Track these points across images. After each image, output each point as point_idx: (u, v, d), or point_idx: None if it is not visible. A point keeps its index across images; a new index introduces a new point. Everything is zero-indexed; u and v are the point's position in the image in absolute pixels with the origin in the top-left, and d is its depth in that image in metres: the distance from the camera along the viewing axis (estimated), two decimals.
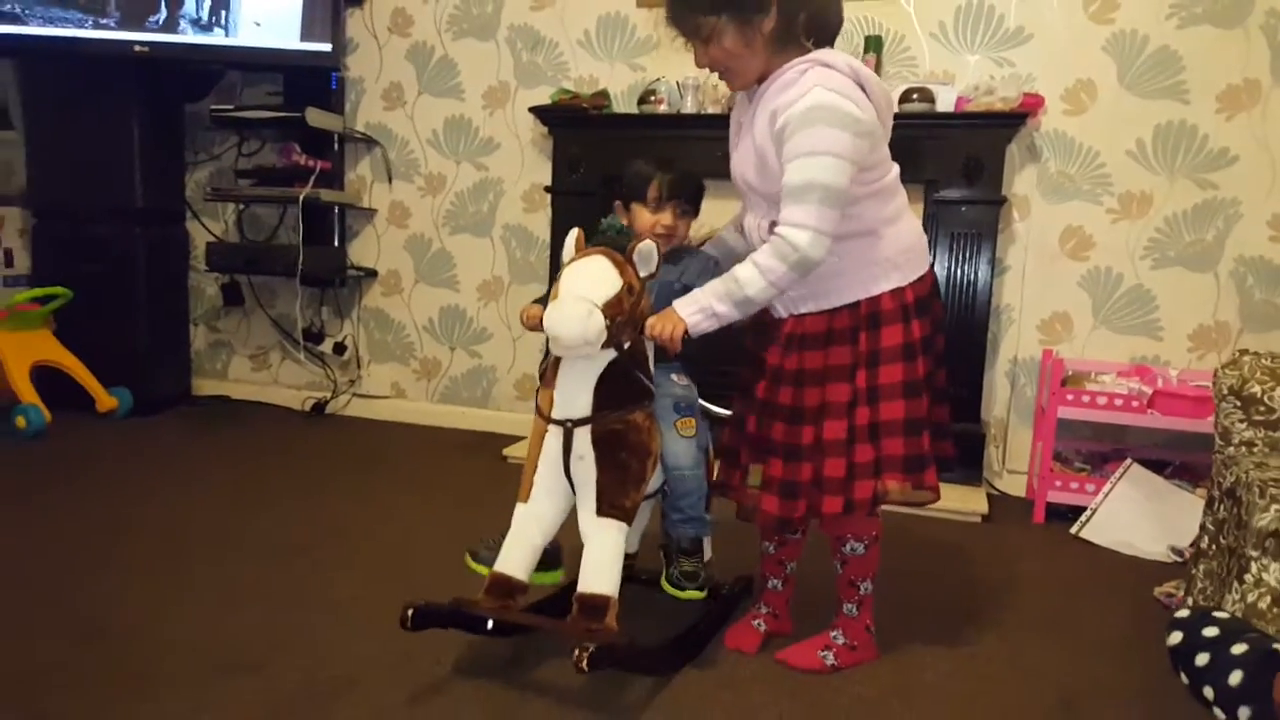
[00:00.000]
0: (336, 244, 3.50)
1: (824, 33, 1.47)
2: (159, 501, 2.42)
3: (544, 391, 1.53)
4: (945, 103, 2.66)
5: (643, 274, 1.47)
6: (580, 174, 3.01)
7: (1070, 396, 2.49)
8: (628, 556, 1.64)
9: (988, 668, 1.64)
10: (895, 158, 2.75)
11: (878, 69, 2.76)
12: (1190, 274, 2.65)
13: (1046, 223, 2.75)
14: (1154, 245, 2.67)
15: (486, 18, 3.25)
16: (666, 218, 1.66)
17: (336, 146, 3.42)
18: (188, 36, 3.19)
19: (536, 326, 1.50)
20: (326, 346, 3.59)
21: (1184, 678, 1.30)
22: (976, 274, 2.68)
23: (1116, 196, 2.68)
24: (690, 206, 1.71)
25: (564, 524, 1.56)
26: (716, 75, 1.55)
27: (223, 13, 3.20)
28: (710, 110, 2.86)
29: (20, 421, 2.99)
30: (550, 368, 1.52)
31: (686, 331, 1.45)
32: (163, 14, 3.17)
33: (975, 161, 2.63)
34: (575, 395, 1.47)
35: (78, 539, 2.11)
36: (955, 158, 2.65)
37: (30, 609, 1.73)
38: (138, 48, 3.16)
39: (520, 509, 1.53)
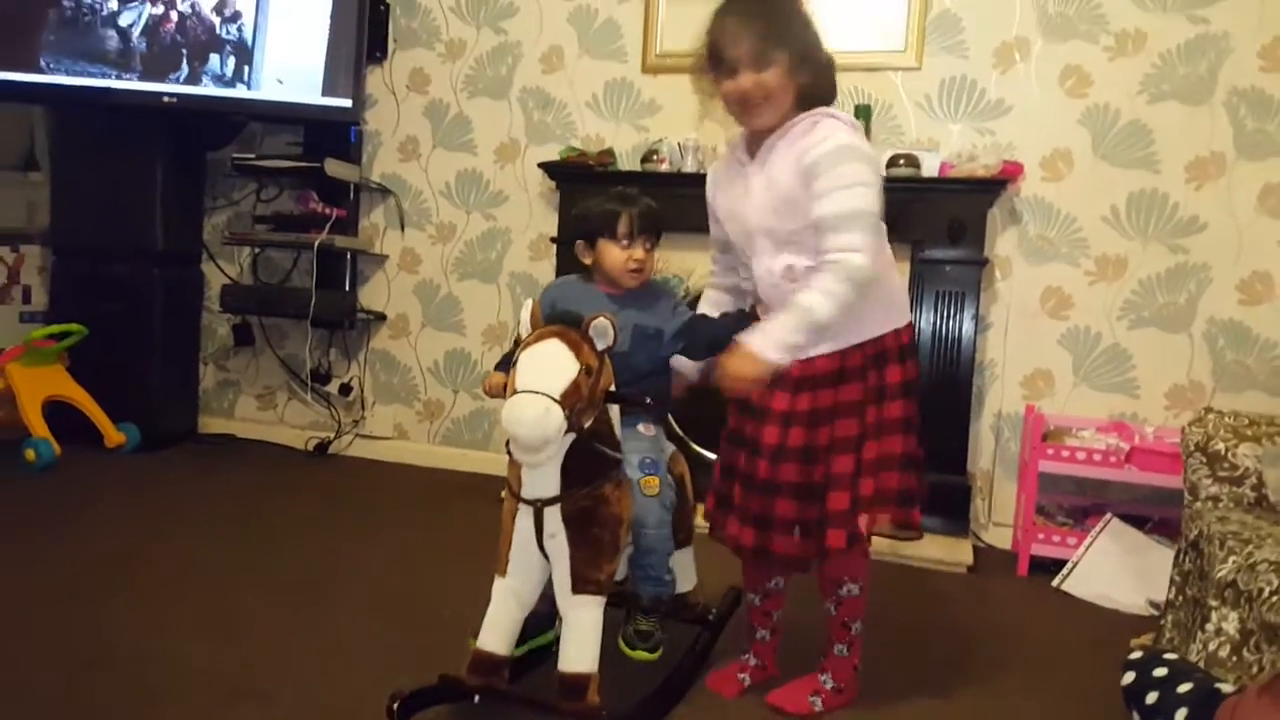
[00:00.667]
0: (348, 288, 3.62)
1: (830, 98, 1.61)
2: (164, 535, 2.47)
3: (512, 468, 1.51)
4: (930, 168, 2.80)
5: (600, 348, 1.45)
6: None
7: (1051, 451, 2.58)
8: (615, 583, 1.64)
9: (966, 716, 1.69)
10: (884, 219, 2.90)
11: (867, 135, 2.91)
12: (1164, 334, 2.77)
13: (1027, 283, 2.88)
14: (1129, 306, 2.79)
15: (500, 78, 3.43)
16: (638, 253, 1.68)
17: (352, 195, 3.56)
18: (212, 89, 3.35)
19: (499, 394, 1.47)
20: (333, 387, 3.69)
21: (1135, 716, 1.38)
22: (961, 330, 2.80)
23: (1093, 259, 2.82)
24: (656, 240, 1.73)
25: None
26: (734, 109, 1.58)
27: (245, 69, 3.36)
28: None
29: (30, 455, 3.05)
30: None
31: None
32: (185, 70, 3.33)
33: (959, 224, 2.77)
34: (543, 476, 1.45)
35: (85, 569, 2.16)
36: (940, 220, 2.78)
37: (40, 635, 1.78)
38: (166, 99, 3.31)
39: (499, 583, 1.54)
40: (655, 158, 3.06)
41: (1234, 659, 1.56)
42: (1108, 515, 2.60)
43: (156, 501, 2.83)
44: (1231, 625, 1.58)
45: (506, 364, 1.50)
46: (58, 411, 3.25)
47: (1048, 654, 2.02)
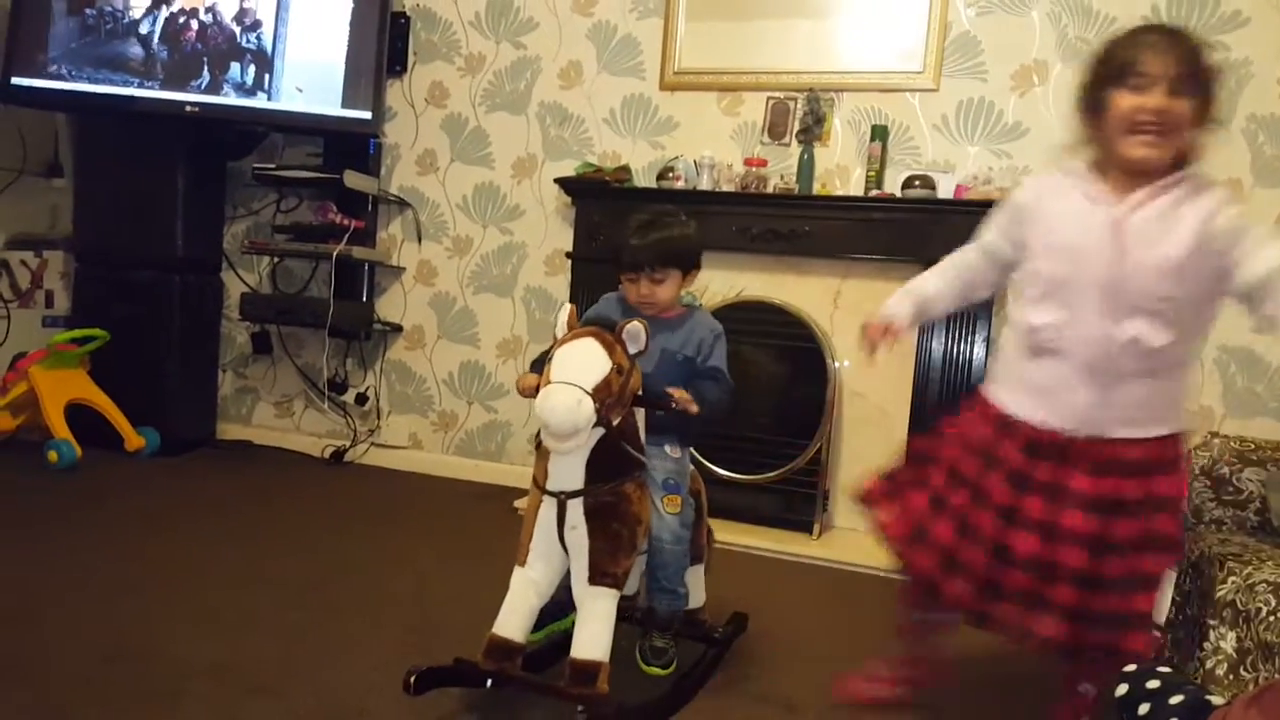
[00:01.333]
0: (365, 299, 3.67)
1: (1195, 163, 1.46)
2: (182, 536, 2.52)
3: (539, 461, 1.58)
4: (945, 190, 2.83)
5: (632, 351, 1.52)
6: (599, 241, 3.18)
7: None
8: (626, 598, 1.71)
9: None
10: (899, 239, 2.92)
11: (883, 157, 2.94)
12: None
13: None
14: None
15: (519, 94, 3.47)
16: (644, 287, 1.72)
17: (370, 207, 3.60)
18: (233, 99, 3.40)
19: (531, 394, 1.53)
20: (349, 396, 3.73)
21: None
22: (972, 352, 2.82)
23: None
24: (666, 272, 1.72)
25: None
26: (1124, 131, 1.40)
27: (266, 77, 3.40)
28: (725, 187, 3.05)
29: (52, 456, 3.10)
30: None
31: None
32: (206, 78, 3.38)
33: None
34: (568, 469, 1.52)
35: (104, 567, 2.21)
36: (954, 242, 2.73)
37: (58, 630, 1.82)
38: (189, 108, 3.36)
39: (518, 572, 1.60)
40: (671, 175, 3.09)
41: (1230, 677, 1.61)
42: None
43: (174, 503, 2.89)
44: (1229, 644, 1.62)
45: (540, 365, 1.56)
46: (79, 415, 3.30)
47: (1050, 669, 2.03)
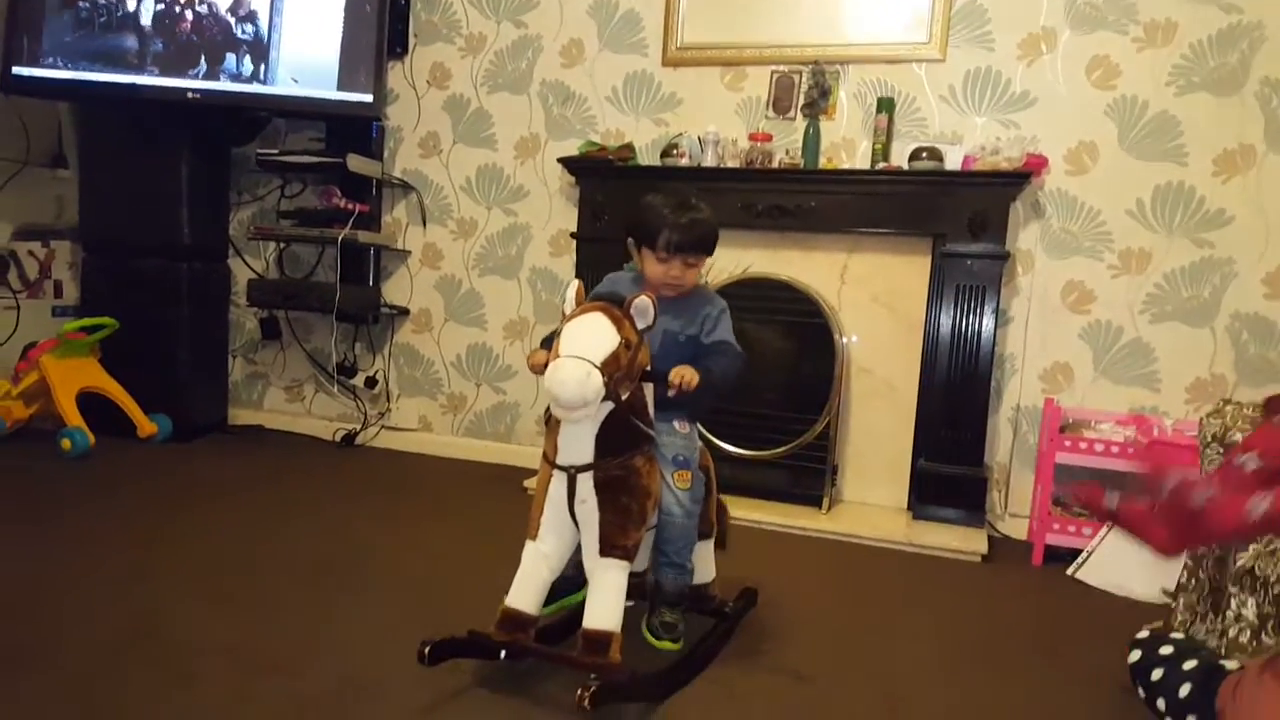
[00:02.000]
0: (371, 283, 3.67)
1: None
2: (196, 520, 2.54)
3: (549, 436, 1.60)
4: (953, 161, 2.80)
5: (640, 326, 1.52)
6: (604, 221, 3.17)
7: (1068, 442, 2.59)
8: (634, 574, 1.72)
9: (975, 693, 1.72)
10: (906, 212, 2.91)
11: (889, 129, 2.92)
12: (1187, 329, 2.75)
13: (1049, 277, 2.87)
14: (1152, 300, 2.78)
15: (520, 73, 3.45)
16: (675, 269, 1.71)
17: (375, 190, 3.60)
18: (232, 86, 3.39)
19: (541, 371, 1.54)
20: (358, 380, 3.75)
21: (1141, 691, 1.41)
22: (981, 324, 2.80)
23: (1117, 253, 2.80)
24: (699, 257, 1.74)
25: None
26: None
27: (261, 66, 3.38)
28: (729, 164, 3.02)
29: (66, 444, 3.13)
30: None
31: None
32: (203, 67, 3.36)
33: (981, 217, 2.76)
34: (578, 443, 1.54)
35: (118, 552, 2.23)
36: (962, 213, 2.78)
37: (75, 614, 1.84)
38: (191, 94, 3.35)
39: (530, 546, 1.62)
40: (675, 152, 3.07)
41: (1254, 644, 1.60)
42: None
43: (187, 488, 2.91)
44: (1250, 611, 1.62)
45: (550, 342, 1.57)
46: (91, 403, 3.33)
47: (1058, 639, 2.05)
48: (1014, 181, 2.76)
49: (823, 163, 2.98)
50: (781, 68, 3.09)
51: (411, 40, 3.59)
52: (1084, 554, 2.53)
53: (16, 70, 3.34)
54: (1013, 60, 2.88)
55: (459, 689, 1.58)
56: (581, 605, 1.65)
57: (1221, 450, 1.94)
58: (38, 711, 1.45)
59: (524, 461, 3.44)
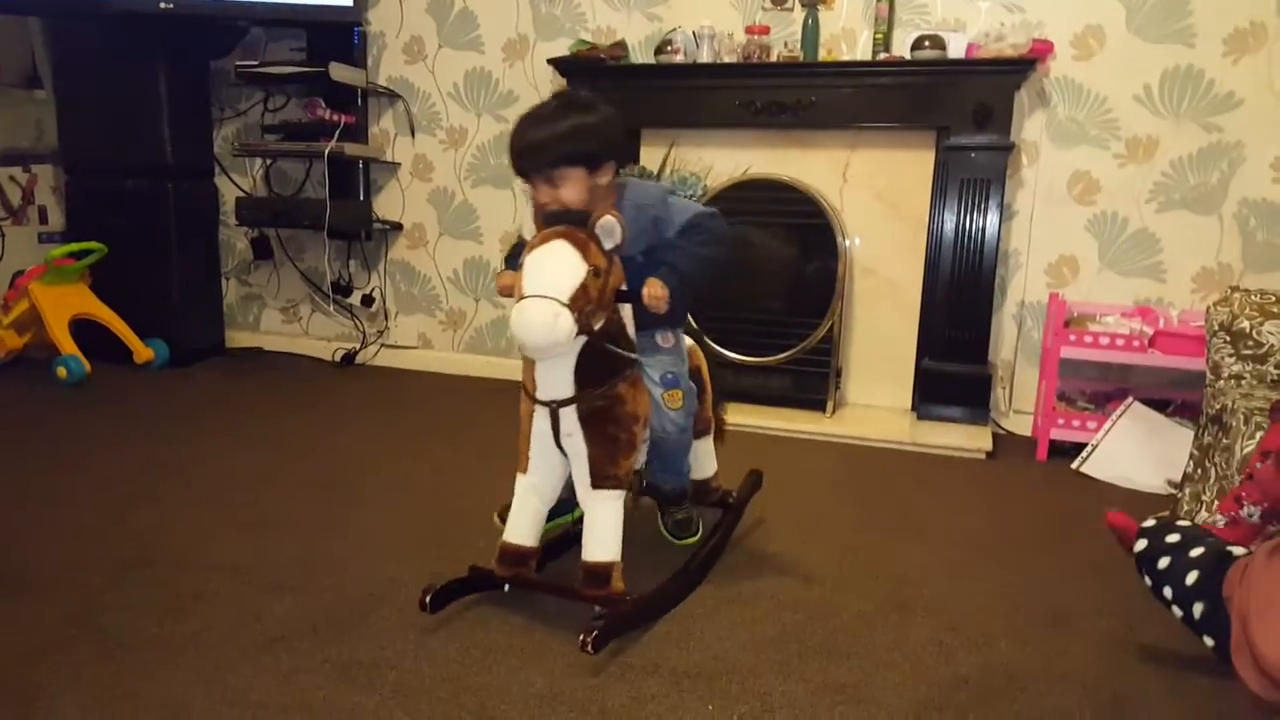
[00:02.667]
0: (362, 197, 3.59)
1: None
2: (196, 444, 2.53)
3: (526, 369, 1.51)
4: (956, 49, 2.70)
5: (608, 247, 1.40)
6: None
7: (1073, 337, 2.57)
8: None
9: (982, 586, 1.74)
10: (909, 105, 2.82)
11: (890, 17, 2.81)
12: (1194, 217, 2.71)
13: (1054, 167, 2.81)
14: (1159, 189, 2.73)
15: None
16: (543, 195, 1.49)
17: (360, 101, 3.50)
18: None
19: (509, 295, 1.43)
20: (355, 299, 3.71)
21: (1148, 580, 1.42)
22: (985, 219, 2.75)
23: (1124, 141, 2.74)
24: (563, 172, 1.47)
25: None
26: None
27: None
28: (726, 59, 2.92)
29: (61, 372, 3.11)
30: None
31: None
32: None
33: (985, 108, 2.68)
34: (557, 377, 1.45)
35: (120, 477, 2.22)
36: (966, 104, 2.70)
37: (81, 538, 1.84)
38: (163, 4, 3.21)
39: (521, 480, 1.57)
40: (669, 49, 2.96)
41: None
42: (1129, 398, 2.60)
43: (188, 412, 2.90)
44: None
45: (517, 259, 1.45)
46: (86, 330, 3.30)
47: (1064, 531, 2.07)
48: (1019, 69, 2.67)
49: (822, 55, 2.89)
50: None
51: None
52: (1089, 448, 2.54)
53: None
54: None
55: (468, 601, 1.58)
56: (576, 525, 1.62)
57: (1228, 339, 1.93)
58: (41, 634, 1.45)
59: None
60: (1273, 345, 1.88)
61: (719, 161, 3.02)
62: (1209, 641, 1.33)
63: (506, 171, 3.43)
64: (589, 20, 3.22)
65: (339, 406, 3.05)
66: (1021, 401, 2.95)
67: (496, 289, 1.53)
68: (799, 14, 2.91)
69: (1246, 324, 1.88)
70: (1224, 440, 1.79)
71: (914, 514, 2.14)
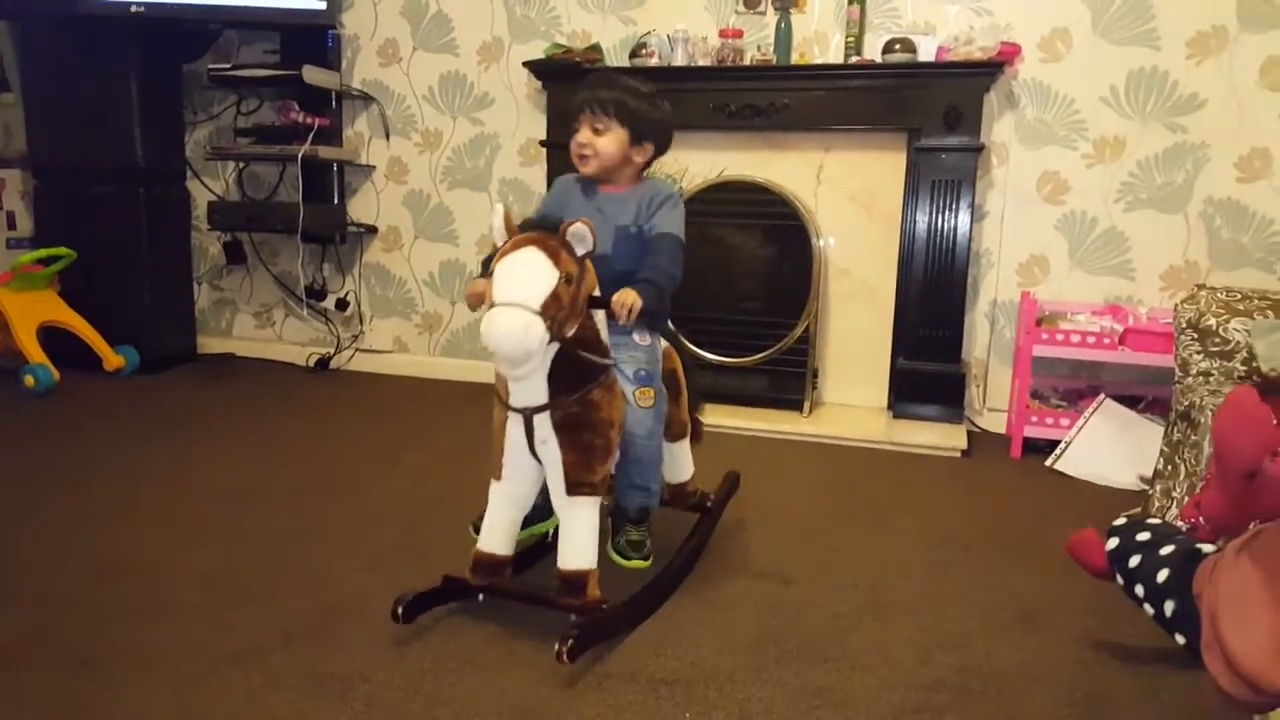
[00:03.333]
0: (336, 201, 3.57)
1: None
2: (167, 452, 2.50)
3: (499, 377, 1.49)
4: (926, 53, 2.73)
5: (580, 253, 1.38)
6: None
7: (1045, 335, 2.60)
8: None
9: (958, 586, 1.76)
10: (879, 107, 2.84)
11: (861, 21, 2.83)
12: (1161, 215, 2.75)
13: (1024, 168, 2.84)
14: (1126, 188, 2.77)
15: None
16: (583, 135, 1.59)
17: (334, 103, 3.48)
18: None
19: (479, 305, 1.42)
20: (329, 303, 3.68)
21: (1119, 578, 1.43)
22: (957, 220, 2.78)
23: (1091, 141, 2.77)
24: (608, 122, 1.59)
25: None
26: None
27: None
28: (700, 62, 2.93)
29: (29, 381, 3.06)
30: None
31: None
32: None
33: (955, 110, 2.71)
34: (530, 384, 1.43)
35: (90, 487, 2.20)
36: (936, 106, 2.73)
37: (48, 550, 1.82)
38: (134, 8, 3.18)
39: (495, 487, 1.55)
40: (644, 52, 2.97)
41: None
42: (1101, 395, 2.64)
43: (158, 420, 2.86)
44: None
45: (487, 269, 1.44)
46: (55, 337, 3.25)
47: (1036, 528, 2.09)
48: (987, 71, 2.70)
49: (795, 58, 2.91)
50: None
51: None
52: (1062, 445, 2.58)
53: None
54: None
55: (442, 611, 1.57)
56: (551, 533, 1.61)
57: (1196, 336, 1.96)
58: (6, 648, 1.43)
59: None
60: (1239, 342, 1.91)
61: (694, 163, 3.03)
62: (1180, 639, 1.35)
63: (483, 174, 3.42)
64: (564, 24, 3.22)
65: (313, 413, 3.03)
66: (995, 399, 2.99)
67: (465, 299, 1.51)
68: (772, 17, 2.93)
69: (1213, 321, 1.91)
70: (1193, 437, 1.82)
71: (890, 513, 2.16)
